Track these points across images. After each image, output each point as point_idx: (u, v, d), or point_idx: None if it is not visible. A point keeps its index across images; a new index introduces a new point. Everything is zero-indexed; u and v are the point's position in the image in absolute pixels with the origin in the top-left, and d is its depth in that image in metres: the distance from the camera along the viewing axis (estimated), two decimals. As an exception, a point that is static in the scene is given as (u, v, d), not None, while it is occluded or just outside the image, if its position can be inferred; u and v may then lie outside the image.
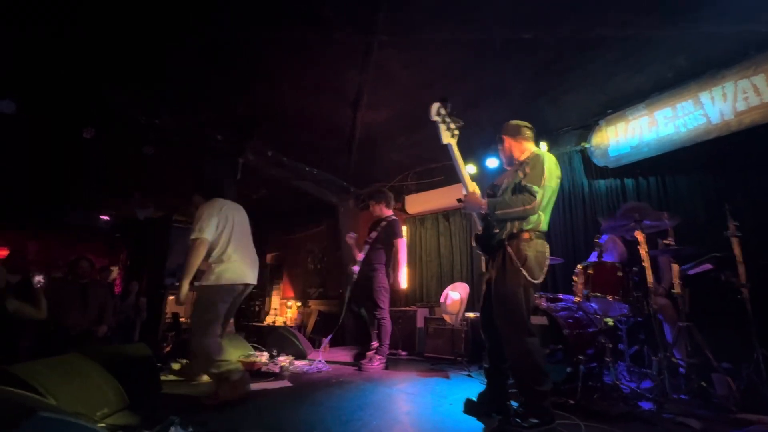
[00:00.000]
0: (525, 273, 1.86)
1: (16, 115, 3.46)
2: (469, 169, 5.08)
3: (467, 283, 4.49)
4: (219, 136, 4.50)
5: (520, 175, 2.00)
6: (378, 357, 3.39)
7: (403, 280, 5.59)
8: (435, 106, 2.08)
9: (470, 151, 5.15)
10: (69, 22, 2.79)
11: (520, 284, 1.87)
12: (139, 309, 5.28)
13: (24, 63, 3.17)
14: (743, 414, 2.05)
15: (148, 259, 7.01)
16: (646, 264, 2.44)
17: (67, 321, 3.49)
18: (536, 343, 1.86)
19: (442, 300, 3.72)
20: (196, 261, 2.35)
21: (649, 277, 2.42)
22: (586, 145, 4.22)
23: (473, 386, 2.78)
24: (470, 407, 2.11)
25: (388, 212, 3.76)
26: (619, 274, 2.53)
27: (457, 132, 2.10)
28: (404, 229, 5.92)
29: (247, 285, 2.56)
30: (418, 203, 5.63)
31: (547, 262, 2.00)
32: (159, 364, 2.96)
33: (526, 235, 1.93)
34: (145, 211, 6.70)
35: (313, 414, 2.07)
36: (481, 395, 2.14)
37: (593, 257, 2.85)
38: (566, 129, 4.48)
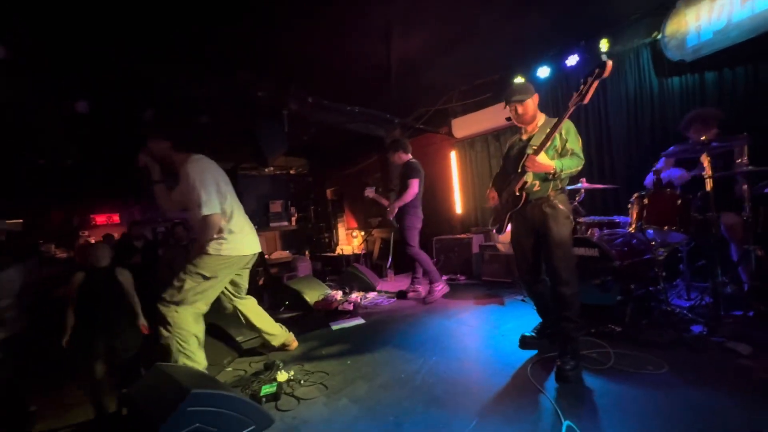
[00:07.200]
0: (572, 220, 2.13)
1: (94, 112, 3.92)
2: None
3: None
4: (260, 92, 4.62)
5: (559, 140, 2.08)
6: (433, 285, 3.73)
7: (458, 205, 5.76)
8: (611, 63, 1.81)
9: (520, 62, 4.70)
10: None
11: (570, 232, 2.09)
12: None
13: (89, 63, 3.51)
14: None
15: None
16: (709, 188, 2.28)
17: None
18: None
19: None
20: None
21: (713, 205, 2.27)
22: (658, 36, 3.59)
23: (526, 312, 3.05)
24: (525, 342, 2.37)
25: (407, 157, 3.99)
26: (679, 202, 2.39)
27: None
28: (453, 154, 5.84)
29: None
30: (465, 126, 5.42)
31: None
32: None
33: (562, 192, 2.14)
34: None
35: (384, 353, 2.51)
36: (534, 330, 2.40)
37: (649, 180, 2.69)
38: (634, 17, 3.81)
